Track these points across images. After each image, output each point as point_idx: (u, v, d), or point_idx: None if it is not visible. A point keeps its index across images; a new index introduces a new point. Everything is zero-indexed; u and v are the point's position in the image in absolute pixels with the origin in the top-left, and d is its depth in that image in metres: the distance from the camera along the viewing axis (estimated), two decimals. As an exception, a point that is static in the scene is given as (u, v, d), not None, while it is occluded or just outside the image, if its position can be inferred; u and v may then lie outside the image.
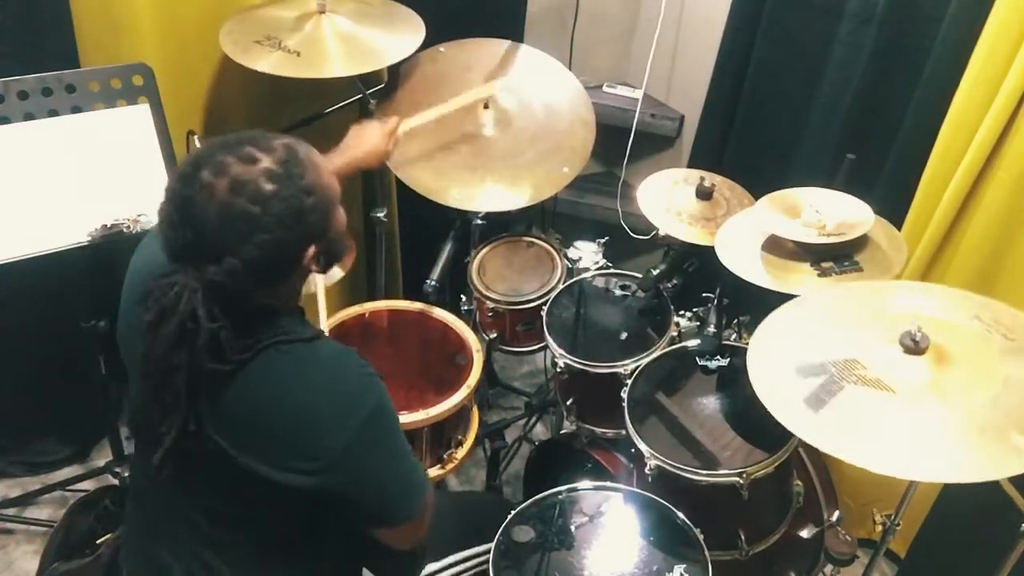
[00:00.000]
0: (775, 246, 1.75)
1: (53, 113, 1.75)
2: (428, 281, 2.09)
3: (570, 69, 2.36)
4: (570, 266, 2.23)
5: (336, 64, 1.97)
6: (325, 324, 1.88)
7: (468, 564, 1.54)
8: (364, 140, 1.81)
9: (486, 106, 2.19)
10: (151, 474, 1.17)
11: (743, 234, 1.81)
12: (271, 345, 1.14)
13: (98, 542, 1.84)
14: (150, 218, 1.81)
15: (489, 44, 2.31)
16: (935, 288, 1.52)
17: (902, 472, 1.19)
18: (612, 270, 2.19)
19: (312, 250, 1.17)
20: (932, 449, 1.20)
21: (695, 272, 2.07)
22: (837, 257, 1.69)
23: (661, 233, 2.00)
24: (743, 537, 1.64)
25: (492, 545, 1.49)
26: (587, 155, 2.19)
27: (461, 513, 1.76)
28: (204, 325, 1.07)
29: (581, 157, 2.18)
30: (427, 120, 2.01)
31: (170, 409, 1.11)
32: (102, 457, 2.41)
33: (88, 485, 2.26)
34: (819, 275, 1.67)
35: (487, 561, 1.47)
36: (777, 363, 1.38)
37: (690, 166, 2.66)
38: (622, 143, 2.84)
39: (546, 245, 2.32)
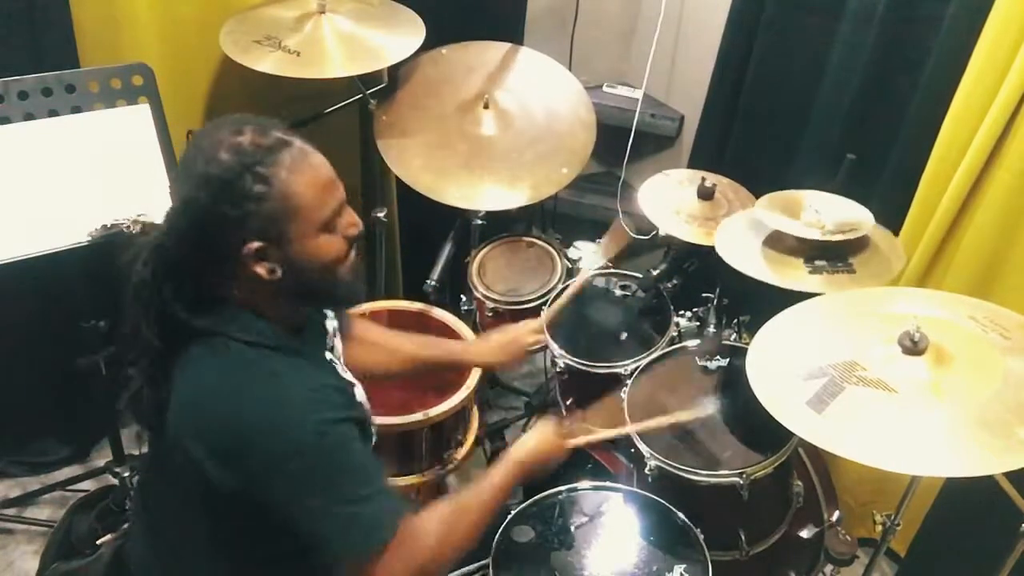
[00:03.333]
0: (772, 242, 1.75)
1: (53, 113, 1.75)
2: (428, 281, 2.09)
3: (570, 69, 2.36)
4: (570, 266, 2.23)
5: (336, 64, 1.97)
6: None
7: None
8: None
9: (486, 106, 2.19)
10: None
11: (743, 233, 1.81)
12: (214, 335, 1.13)
13: (98, 542, 1.85)
14: (150, 218, 1.81)
15: (491, 47, 2.31)
16: (929, 293, 1.53)
17: (906, 468, 1.20)
18: (612, 270, 2.19)
19: (255, 245, 1.11)
20: (936, 444, 1.20)
21: (695, 272, 2.07)
22: (831, 257, 1.69)
23: (661, 233, 2.00)
24: (743, 537, 1.64)
25: (491, 552, 1.48)
26: (586, 157, 2.19)
27: None
28: (141, 273, 1.12)
29: (580, 158, 2.18)
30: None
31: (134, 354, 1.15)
32: (102, 457, 2.41)
33: (88, 485, 2.26)
34: (810, 272, 1.67)
35: (486, 566, 1.46)
36: (777, 368, 1.39)
37: (690, 166, 2.66)
38: (622, 143, 2.84)
39: (546, 245, 2.32)
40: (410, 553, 1.15)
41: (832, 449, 1.24)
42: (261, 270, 1.13)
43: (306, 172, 1.14)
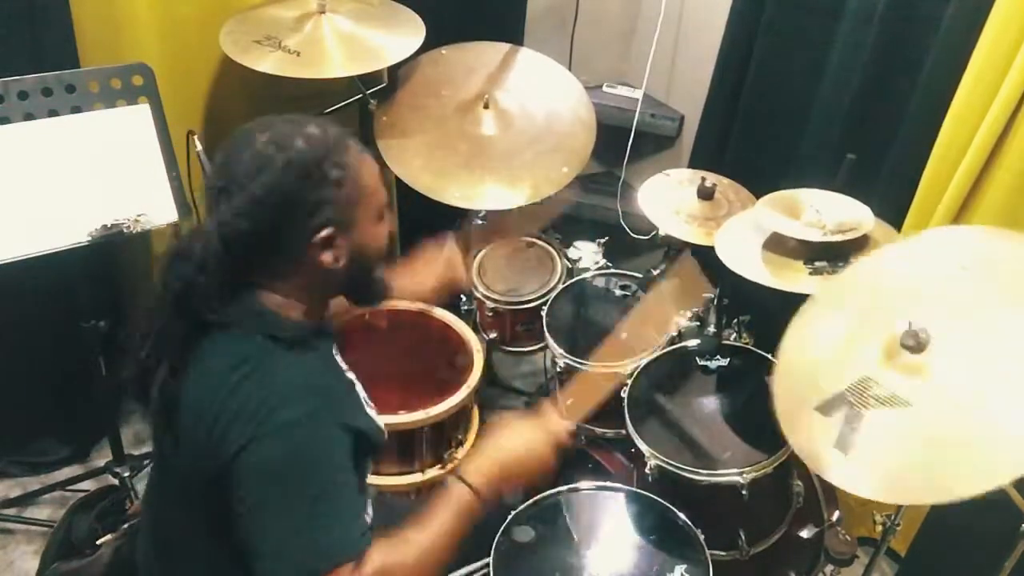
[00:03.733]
0: (773, 244, 1.75)
1: (53, 113, 1.75)
2: (428, 281, 2.09)
3: (570, 69, 2.36)
4: (570, 266, 2.23)
5: (336, 64, 1.97)
6: None
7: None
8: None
9: (486, 106, 2.19)
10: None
11: (743, 233, 1.81)
12: (239, 325, 1.11)
13: (98, 542, 1.84)
14: (150, 218, 1.81)
15: (491, 47, 2.31)
16: (909, 249, 1.50)
17: (950, 495, 1.19)
18: (612, 270, 2.19)
19: (326, 232, 1.12)
20: (964, 456, 1.19)
21: (695, 272, 2.07)
22: (832, 257, 1.69)
23: (661, 233, 2.00)
24: (743, 537, 1.64)
25: (491, 552, 1.48)
26: (587, 157, 2.19)
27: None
28: (185, 266, 1.09)
29: (580, 158, 2.18)
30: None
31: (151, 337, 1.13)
32: (102, 457, 2.41)
33: (88, 485, 2.26)
34: (810, 272, 1.67)
35: (487, 565, 1.46)
36: (800, 404, 1.34)
37: (690, 166, 2.65)
38: (622, 143, 2.84)
39: (546, 245, 2.32)
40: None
41: (873, 496, 1.22)
42: (328, 258, 1.15)
43: (368, 161, 1.20)
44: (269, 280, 1.16)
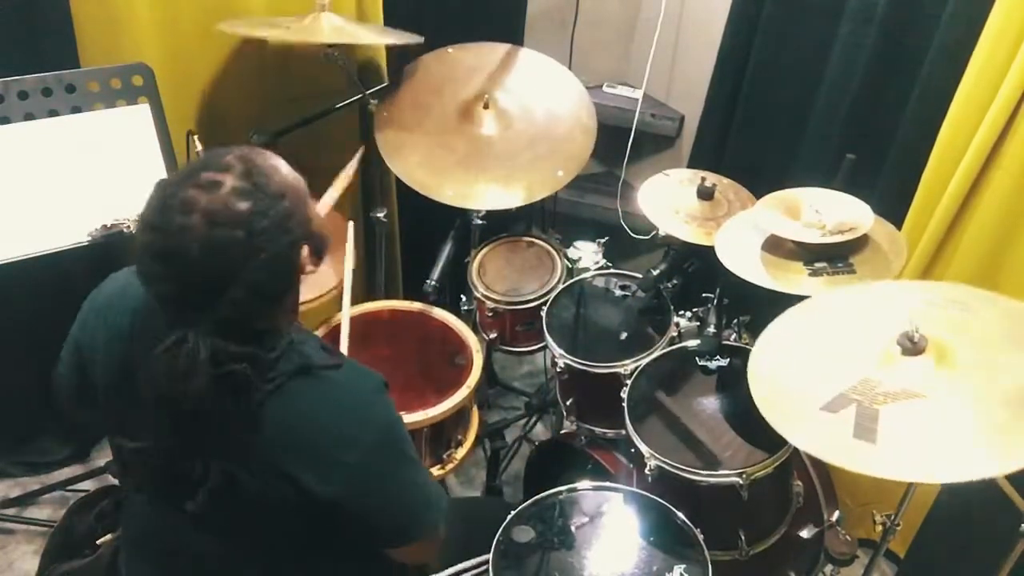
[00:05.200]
0: (773, 245, 1.75)
1: (53, 113, 1.75)
2: (428, 281, 2.09)
3: (570, 69, 2.36)
4: (570, 266, 2.22)
5: (327, 33, 1.96)
6: (348, 319, 1.84)
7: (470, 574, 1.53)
8: None
9: (486, 106, 2.19)
10: (158, 518, 1.19)
11: (743, 234, 1.81)
12: (298, 374, 1.12)
13: (98, 542, 1.84)
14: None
15: (495, 47, 2.31)
16: (880, 287, 1.53)
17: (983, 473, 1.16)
18: (612, 270, 2.19)
19: (306, 250, 1.15)
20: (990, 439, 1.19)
21: (695, 272, 2.07)
22: (832, 258, 1.69)
23: (661, 233, 2.00)
24: (743, 537, 1.64)
25: (491, 552, 1.48)
26: (584, 160, 2.19)
27: (463, 521, 1.74)
28: (232, 367, 1.05)
29: (578, 162, 2.18)
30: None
31: (197, 452, 1.11)
32: (102, 457, 2.42)
33: (88, 485, 2.26)
34: (810, 274, 1.67)
35: (486, 562, 1.46)
36: (797, 406, 1.35)
37: (690, 166, 2.66)
38: (622, 143, 2.84)
39: (546, 245, 2.32)
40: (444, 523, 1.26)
41: (926, 480, 1.22)
42: (313, 266, 1.18)
43: (275, 159, 1.16)
44: (272, 318, 1.16)
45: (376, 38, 2.09)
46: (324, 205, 1.77)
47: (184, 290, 1.05)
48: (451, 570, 1.47)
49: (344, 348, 1.76)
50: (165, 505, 1.19)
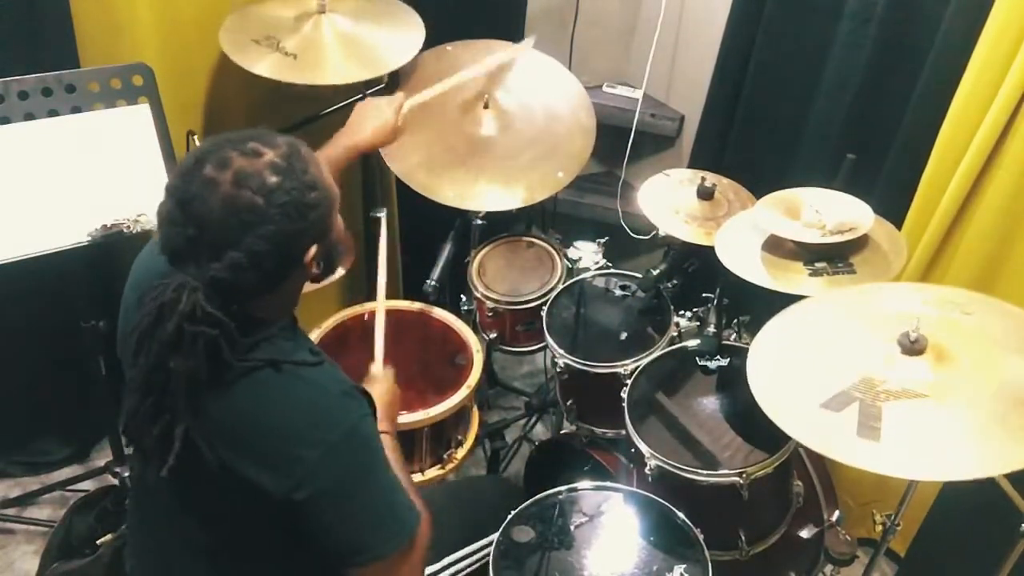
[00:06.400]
0: (773, 245, 1.75)
1: (53, 113, 1.75)
2: (428, 281, 2.09)
3: (570, 69, 2.36)
4: (570, 266, 2.22)
5: (333, 70, 1.96)
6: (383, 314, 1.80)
7: (469, 560, 1.53)
8: (371, 116, 1.79)
9: (486, 106, 2.19)
10: (145, 479, 1.17)
11: (743, 234, 1.81)
12: (269, 364, 1.13)
13: (98, 542, 1.85)
14: (150, 218, 1.81)
15: (496, 46, 2.31)
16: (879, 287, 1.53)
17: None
18: (612, 270, 2.19)
19: (314, 250, 1.16)
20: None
21: (695, 272, 2.07)
22: (832, 258, 1.69)
23: (661, 233, 2.00)
24: (743, 537, 1.64)
25: (495, 537, 1.48)
26: (584, 161, 2.19)
27: (459, 506, 1.73)
28: (202, 330, 1.06)
29: (578, 163, 2.18)
30: (436, 93, 2.00)
31: (159, 413, 1.10)
32: (102, 457, 2.41)
33: (88, 485, 2.26)
34: (810, 274, 1.67)
35: (487, 555, 1.46)
36: (796, 404, 1.34)
37: (690, 166, 2.66)
38: (622, 143, 2.84)
39: (546, 245, 2.32)
40: (424, 545, 1.21)
41: (932, 478, 1.23)
42: (314, 268, 1.18)
43: (320, 161, 1.18)
44: (266, 308, 1.17)
45: (375, 68, 2.07)
46: (414, 100, 1.89)
47: (192, 240, 1.08)
48: (452, 557, 1.47)
49: (380, 341, 1.73)
50: (145, 472, 1.20)
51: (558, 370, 1.96)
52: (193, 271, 1.08)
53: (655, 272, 1.99)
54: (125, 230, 1.78)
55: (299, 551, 1.18)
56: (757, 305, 1.82)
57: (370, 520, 1.15)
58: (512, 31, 2.63)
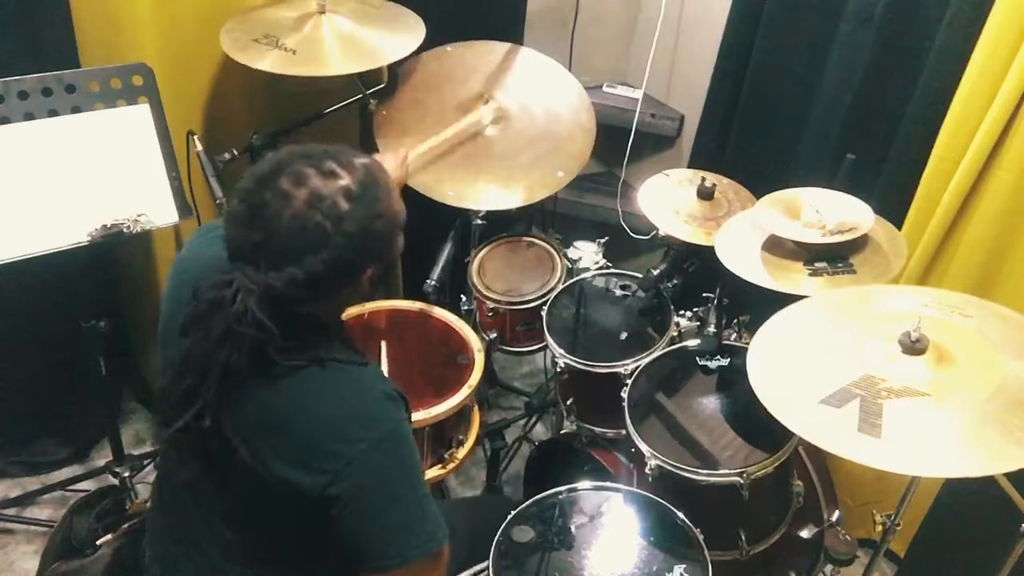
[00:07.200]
0: (773, 245, 1.75)
1: (53, 113, 1.75)
2: (428, 281, 2.09)
3: (570, 69, 2.36)
4: (570, 266, 2.23)
5: (332, 63, 1.96)
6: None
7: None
8: None
9: (486, 104, 2.19)
10: (173, 469, 1.19)
11: (743, 234, 1.81)
12: (314, 362, 1.15)
13: (98, 542, 1.84)
14: (150, 218, 1.81)
15: (494, 46, 2.31)
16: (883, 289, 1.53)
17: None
18: (612, 270, 2.19)
19: (371, 271, 1.19)
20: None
21: (695, 272, 2.07)
22: (832, 258, 1.69)
23: (661, 233, 2.00)
24: (743, 537, 1.64)
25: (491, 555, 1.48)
26: (584, 161, 2.19)
27: (469, 526, 1.67)
28: (250, 332, 1.07)
29: (578, 163, 2.18)
30: (432, 145, 2.04)
31: (194, 399, 1.11)
32: (102, 457, 2.41)
33: (88, 485, 2.26)
34: (810, 274, 1.67)
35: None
36: (797, 399, 1.35)
37: (690, 166, 2.66)
38: (622, 143, 2.84)
39: (546, 245, 2.32)
40: (445, 564, 1.21)
41: (932, 474, 1.22)
42: (367, 287, 1.21)
43: (392, 185, 1.21)
44: (318, 311, 1.19)
45: (374, 61, 2.07)
46: (416, 153, 1.97)
47: (256, 245, 1.10)
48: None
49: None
50: (176, 466, 1.21)
51: (558, 370, 1.96)
52: (252, 272, 1.10)
53: (655, 272, 1.99)
54: (125, 230, 1.78)
55: (323, 556, 1.18)
56: (757, 305, 1.82)
57: (401, 523, 1.15)
58: (512, 31, 2.63)
